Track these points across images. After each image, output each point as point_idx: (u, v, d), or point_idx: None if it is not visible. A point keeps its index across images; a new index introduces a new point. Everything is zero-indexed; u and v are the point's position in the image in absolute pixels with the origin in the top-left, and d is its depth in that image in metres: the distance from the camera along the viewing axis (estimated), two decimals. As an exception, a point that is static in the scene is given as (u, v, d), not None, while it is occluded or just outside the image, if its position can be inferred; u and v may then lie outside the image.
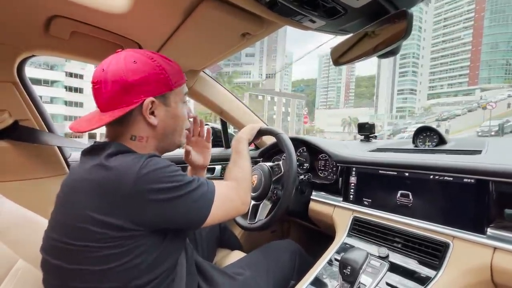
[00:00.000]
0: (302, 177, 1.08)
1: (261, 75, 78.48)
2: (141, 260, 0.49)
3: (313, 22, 0.64)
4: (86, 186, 0.49)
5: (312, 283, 0.72)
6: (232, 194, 0.63)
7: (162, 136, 0.60)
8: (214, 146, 1.55)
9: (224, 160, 1.38)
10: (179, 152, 1.40)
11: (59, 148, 1.04)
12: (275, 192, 1.02)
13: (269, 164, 1.09)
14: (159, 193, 0.48)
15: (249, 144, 0.95)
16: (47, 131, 1.00)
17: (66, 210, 0.51)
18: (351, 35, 0.71)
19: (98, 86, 0.53)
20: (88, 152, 0.54)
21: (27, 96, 0.92)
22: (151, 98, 0.54)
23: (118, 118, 0.52)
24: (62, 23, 0.75)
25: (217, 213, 0.57)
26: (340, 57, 0.80)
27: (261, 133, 0.93)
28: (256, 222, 0.97)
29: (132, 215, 0.47)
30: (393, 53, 0.67)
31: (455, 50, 79.26)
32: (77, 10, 0.72)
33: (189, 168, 0.86)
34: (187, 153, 0.80)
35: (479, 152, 0.80)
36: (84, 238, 0.46)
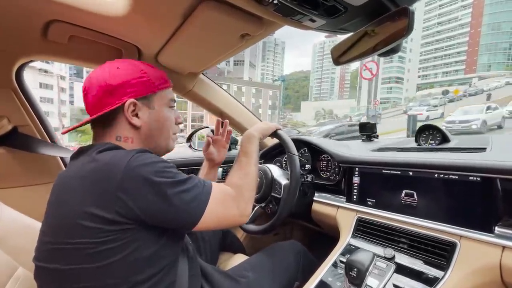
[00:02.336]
0: (304, 178, 1.07)
1: (228, 62, 71.04)
2: (138, 255, 0.48)
3: (313, 21, 0.64)
4: (76, 182, 0.49)
5: (318, 286, 0.71)
6: (229, 202, 0.60)
7: (147, 138, 0.60)
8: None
9: (225, 163, 1.37)
10: (188, 155, 1.41)
11: None
12: (277, 193, 1.01)
13: (271, 165, 1.08)
14: (146, 188, 0.47)
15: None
16: (46, 136, 0.99)
17: (58, 210, 0.50)
18: (351, 34, 0.71)
19: (85, 93, 0.57)
20: (75, 156, 0.55)
21: (26, 102, 0.91)
22: (133, 100, 0.56)
23: (102, 119, 0.56)
24: (60, 28, 0.75)
25: (210, 219, 0.54)
26: (341, 56, 0.80)
27: (275, 136, 0.90)
28: (259, 225, 0.96)
29: (121, 208, 0.46)
30: (394, 51, 0.67)
31: (451, 33, 67.92)
32: (75, 14, 0.71)
33: (204, 163, 0.93)
34: (207, 146, 0.89)
35: (483, 149, 0.79)
36: (78, 235, 0.46)
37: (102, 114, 0.54)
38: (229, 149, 1.49)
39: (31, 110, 0.93)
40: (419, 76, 74.83)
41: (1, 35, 0.76)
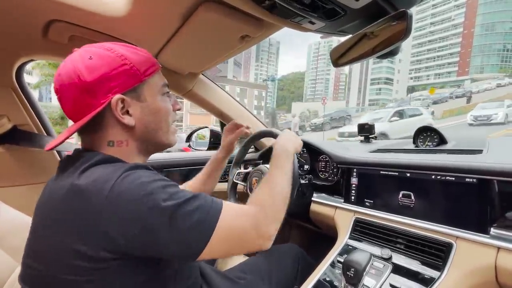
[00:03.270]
0: (302, 178, 1.08)
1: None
2: (131, 285, 0.43)
3: (313, 23, 0.64)
4: (61, 209, 0.42)
5: (315, 286, 0.71)
6: (247, 226, 0.48)
7: (144, 137, 0.52)
8: (213, 148, 1.56)
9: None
10: (188, 155, 1.41)
11: (58, 152, 1.04)
12: None
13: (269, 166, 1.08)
14: (134, 220, 0.39)
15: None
16: (46, 135, 0.99)
17: (41, 237, 0.44)
18: (350, 36, 0.71)
19: (59, 96, 0.47)
20: (64, 166, 0.47)
21: (25, 101, 0.92)
22: (120, 95, 0.47)
23: (87, 125, 0.46)
24: (61, 27, 0.75)
25: (217, 247, 0.44)
26: (340, 58, 0.81)
27: (274, 136, 0.90)
28: None
29: (108, 244, 0.39)
30: (392, 53, 0.67)
31: (444, 33, 65.45)
32: (76, 14, 0.71)
33: (221, 147, 0.92)
34: (237, 136, 0.89)
35: (480, 151, 0.79)
36: (62, 272, 0.40)
37: (92, 117, 0.45)
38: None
39: (31, 109, 0.94)
40: (411, 78, 73.23)
41: (2, 34, 0.76)
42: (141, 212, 0.40)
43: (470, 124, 11.55)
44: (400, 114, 9.27)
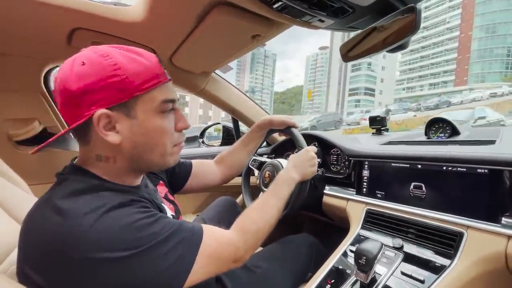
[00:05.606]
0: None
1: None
2: None
3: (322, 21, 0.66)
4: (29, 236, 0.40)
5: (328, 274, 0.74)
6: (226, 253, 0.50)
7: (132, 156, 0.47)
8: (225, 144, 1.60)
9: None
10: (201, 151, 1.46)
11: None
12: None
13: (282, 160, 1.11)
14: (112, 263, 0.37)
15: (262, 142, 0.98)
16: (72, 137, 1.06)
17: (18, 255, 0.42)
18: (360, 31, 0.72)
19: (54, 97, 0.46)
20: (59, 179, 0.46)
21: (53, 105, 0.99)
22: (103, 110, 0.42)
23: (76, 135, 0.46)
24: (83, 35, 0.80)
25: (198, 275, 0.45)
26: (349, 52, 0.82)
27: (287, 132, 0.92)
28: None
29: (74, 286, 0.37)
30: (402, 47, 0.68)
31: (439, 38, 56.47)
32: (96, 22, 0.76)
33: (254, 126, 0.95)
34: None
35: (493, 142, 0.79)
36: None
37: (69, 130, 0.44)
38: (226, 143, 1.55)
39: (58, 112, 1.01)
40: (403, 89, 64.21)
41: (30, 43, 0.82)
42: (120, 258, 0.38)
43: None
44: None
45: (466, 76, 50.98)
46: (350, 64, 54.14)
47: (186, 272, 0.43)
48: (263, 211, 0.62)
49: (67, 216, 0.38)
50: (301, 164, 0.77)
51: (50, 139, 0.47)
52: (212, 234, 0.49)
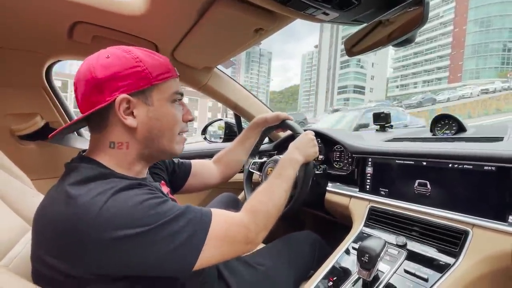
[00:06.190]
0: (317, 169, 1.09)
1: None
2: None
3: (326, 14, 0.64)
4: (43, 222, 0.43)
5: (330, 272, 0.74)
6: (237, 234, 0.51)
7: (145, 141, 0.52)
8: (227, 140, 1.60)
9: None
10: (203, 147, 1.46)
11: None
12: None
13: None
14: (124, 241, 0.39)
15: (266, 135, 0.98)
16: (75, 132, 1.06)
17: (32, 241, 0.45)
18: (365, 24, 0.71)
19: (75, 88, 0.50)
20: (68, 170, 0.48)
21: (55, 99, 0.98)
22: (125, 95, 0.47)
23: (93, 123, 0.49)
24: (84, 29, 0.80)
25: (209, 257, 0.46)
26: (354, 46, 0.80)
27: (287, 127, 0.91)
28: None
29: (91, 265, 0.40)
30: (408, 41, 0.66)
31: (432, 33, 54.16)
32: (97, 15, 0.75)
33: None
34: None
35: (500, 139, 0.78)
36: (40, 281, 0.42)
37: (89, 114, 0.46)
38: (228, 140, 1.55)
39: (60, 107, 1.00)
40: (396, 86, 62.15)
41: (31, 38, 0.81)
42: (131, 235, 0.40)
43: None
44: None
45: (460, 73, 49.17)
46: (338, 61, 55.09)
47: (196, 251, 0.44)
48: (270, 193, 0.62)
49: (79, 200, 0.40)
50: (302, 146, 0.77)
51: (70, 122, 0.51)
52: (221, 216, 0.51)
